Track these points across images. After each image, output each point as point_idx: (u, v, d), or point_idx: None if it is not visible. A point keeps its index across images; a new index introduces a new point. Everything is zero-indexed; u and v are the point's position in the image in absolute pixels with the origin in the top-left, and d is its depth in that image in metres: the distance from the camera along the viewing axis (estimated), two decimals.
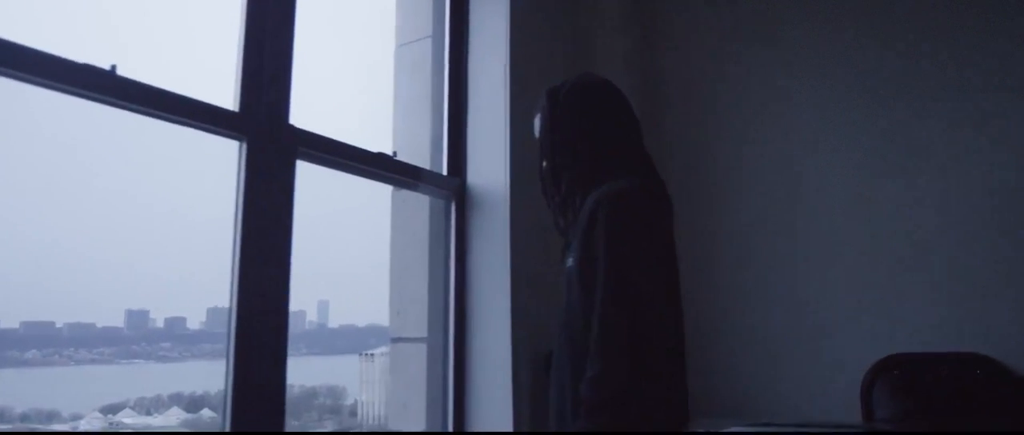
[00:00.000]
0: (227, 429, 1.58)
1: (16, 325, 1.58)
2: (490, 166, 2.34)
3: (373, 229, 2.50)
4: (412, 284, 2.42)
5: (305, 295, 1.88)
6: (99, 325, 1.82)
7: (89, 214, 1.58)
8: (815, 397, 2.59)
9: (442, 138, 2.41)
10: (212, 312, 1.87)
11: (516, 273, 2.23)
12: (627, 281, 1.41)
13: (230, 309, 1.65)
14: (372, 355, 2.46)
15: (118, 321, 1.81)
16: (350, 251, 2.27)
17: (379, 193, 2.38)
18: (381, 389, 2.38)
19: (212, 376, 1.73)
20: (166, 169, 1.77)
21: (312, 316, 2.17)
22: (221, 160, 1.73)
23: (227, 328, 1.65)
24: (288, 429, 1.74)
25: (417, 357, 2.37)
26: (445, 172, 2.39)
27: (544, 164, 1.70)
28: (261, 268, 1.67)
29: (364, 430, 2.39)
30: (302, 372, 1.94)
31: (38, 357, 1.63)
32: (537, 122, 1.74)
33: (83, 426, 1.65)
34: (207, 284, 1.76)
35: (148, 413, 1.83)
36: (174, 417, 1.85)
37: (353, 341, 2.45)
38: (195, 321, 1.92)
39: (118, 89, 1.48)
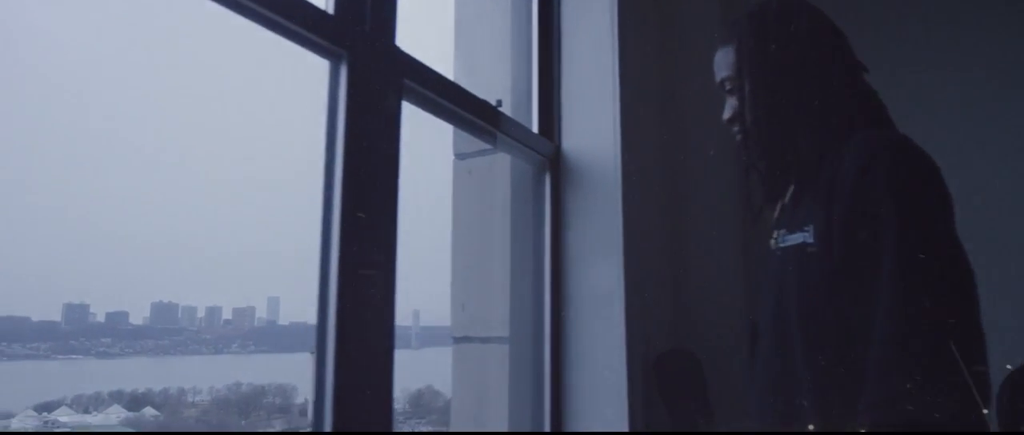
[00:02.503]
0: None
1: None
2: (593, 128, 1.90)
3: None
4: (484, 273, 1.96)
5: (274, 292, 1.86)
6: (35, 318, 1.70)
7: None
8: None
9: (529, 92, 1.96)
10: (157, 307, 1.83)
11: (630, 259, 1.80)
12: (944, 268, 1.01)
13: (324, 290, 1.16)
14: None
15: (55, 315, 1.71)
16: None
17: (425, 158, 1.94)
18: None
19: (155, 373, 1.80)
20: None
21: (261, 313, 2.06)
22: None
23: (320, 315, 1.16)
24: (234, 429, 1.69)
25: (492, 360, 1.91)
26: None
27: (747, 111, 1.28)
28: (365, 241, 1.19)
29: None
30: (250, 370, 1.99)
31: None
32: (725, 57, 1.33)
33: (15, 425, 1.58)
34: (152, 277, 1.70)
35: (86, 411, 1.75)
36: (115, 415, 1.76)
37: (304, 339, 2.19)
38: (138, 316, 1.83)
39: None
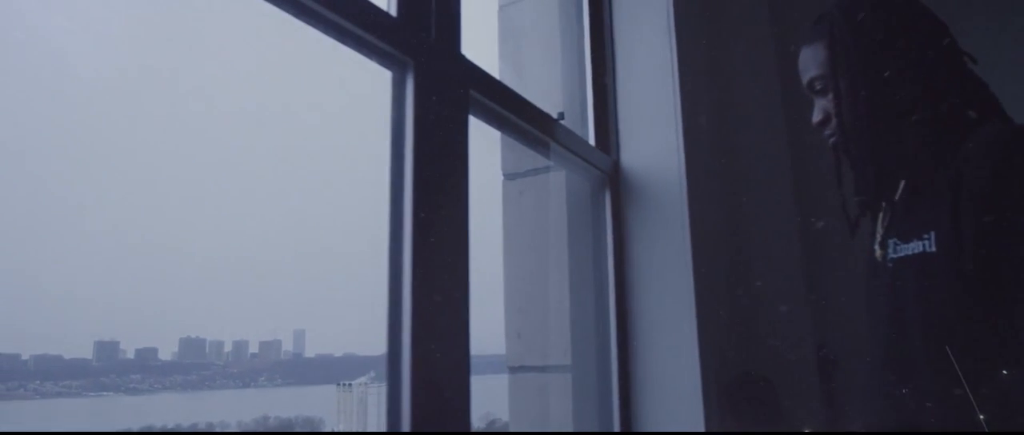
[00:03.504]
0: None
1: None
2: (654, 139, 1.80)
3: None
4: (539, 299, 1.85)
5: (302, 323, 1.85)
6: (66, 356, 1.72)
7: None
8: None
9: (583, 104, 1.86)
10: (185, 342, 1.84)
11: (701, 278, 1.68)
12: None
13: (395, 315, 1.06)
14: (350, 385, 2.19)
15: (87, 353, 1.71)
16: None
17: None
18: (359, 419, 2.16)
19: (184, 408, 1.81)
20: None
21: (287, 345, 2.06)
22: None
23: (390, 343, 1.06)
24: None
25: (551, 389, 1.79)
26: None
27: (845, 110, 1.18)
28: (437, 263, 1.08)
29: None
30: (278, 403, 1.99)
31: (3, 391, 1.54)
32: (814, 55, 1.23)
33: None
34: (181, 312, 1.70)
35: None
36: None
37: (330, 371, 2.26)
38: (167, 352, 1.85)
39: None
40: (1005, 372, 0.93)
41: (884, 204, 1.18)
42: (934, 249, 1.03)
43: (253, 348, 2.12)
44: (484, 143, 1.62)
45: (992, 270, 0.97)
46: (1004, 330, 0.94)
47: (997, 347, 0.95)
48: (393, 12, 1.14)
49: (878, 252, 1.16)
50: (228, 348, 2.07)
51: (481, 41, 1.99)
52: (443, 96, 1.15)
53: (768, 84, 1.97)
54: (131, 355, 1.78)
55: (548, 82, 1.89)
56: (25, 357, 1.58)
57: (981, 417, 0.93)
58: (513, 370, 1.86)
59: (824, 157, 1.36)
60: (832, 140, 1.22)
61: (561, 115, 1.61)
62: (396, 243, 1.07)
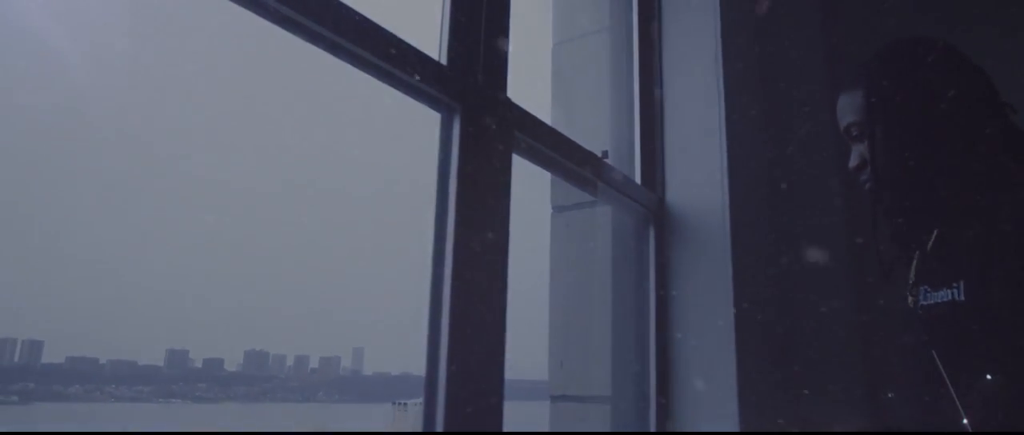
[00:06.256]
0: None
1: (62, 360, 1.56)
2: (699, 178, 1.83)
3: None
4: (583, 330, 1.89)
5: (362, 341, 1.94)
6: (140, 363, 1.79)
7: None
8: None
9: (631, 143, 1.91)
10: (249, 355, 1.90)
11: (742, 317, 1.70)
12: None
13: (434, 341, 1.13)
14: (405, 405, 2.24)
15: (159, 360, 1.79)
16: None
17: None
18: None
19: (245, 419, 1.83)
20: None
21: (346, 362, 2.12)
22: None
23: (429, 373, 1.13)
24: None
25: (591, 420, 1.83)
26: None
27: (880, 157, 1.20)
28: (476, 295, 1.16)
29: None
30: (335, 419, 2.01)
31: (80, 392, 1.60)
32: (852, 102, 1.25)
33: None
34: (247, 325, 1.77)
35: None
36: None
37: (386, 389, 2.34)
38: (232, 363, 1.90)
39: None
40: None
41: (917, 252, 1.19)
42: (963, 298, 1.04)
43: (313, 363, 2.19)
44: (536, 177, 1.69)
45: (1021, 321, 0.98)
46: None
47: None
48: (444, 59, 1.23)
49: (909, 299, 1.17)
50: (290, 362, 2.15)
51: (536, 77, 2.09)
52: (487, 138, 1.23)
53: (819, 124, 1.97)
54: (199, 364, 1.85)
55: (596, 120, 1.95)
56: (103, 361, 1.70)
57: None
58: (555, 399, 1.90)
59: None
60: (867, 186, 1.24)
61: (605, 153, 1.67)
62: (437, 278, 1.15)
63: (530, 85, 2.14)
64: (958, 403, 0.98)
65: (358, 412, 2.14)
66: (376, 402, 2.24)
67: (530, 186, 1.95)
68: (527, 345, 2.04)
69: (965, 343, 1.05)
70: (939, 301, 1.08)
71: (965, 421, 0.98)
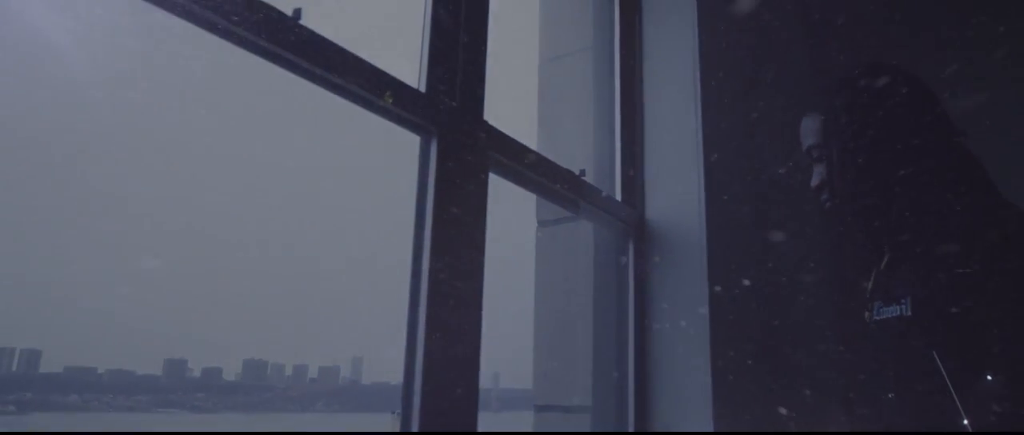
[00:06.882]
0: None
1: (60, 369, 1.58)
2: (677, 196, 1.90)
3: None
4: (567, 341, 1.96)
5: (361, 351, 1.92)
6: (138, 372, 1.79)
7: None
8: None
9: (613, 161, 1.98)
10: (248, 364, 1.89)
11: (717, 336, 1.76)
12: None
13: (411, 355, 1.20)
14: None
15: (157, 369, 1.79)
16: None
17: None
18: None
19: (244, 429, 1.83)
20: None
21: (346, 372, 2.10)
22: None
23: (406, 382, 1.20)
24: None
25: (575, 430, 1.89)
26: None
27: (836, 179, 1.26)
28: (452, 311, 1.22)
29: None
30: (334, 429, 2.04)
31: (78, 402, 1.61)
32: (812, 124, 1.32)
33: None
34: (245, 334, 1.76)
35: None
36: None
37: (386, 399, 2.21)
38: (231, 372, 1.89)
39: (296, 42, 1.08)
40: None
41: (875, 268, 1.25)
42: (909, 313, 1.10)
43: (312, 373, 2.22)
44: (522, 193, 1.76)
45: (962, 333, 1.03)
46: (972, 389, 1.00)
47: (964, 405, 1.01)
48: (423, 86, 1.30)
49: (866, 314, 1.22)
50: (289, 372, 2.17)
51: (525, 95, 2.15)
52: (463, 159, 1.30)
53: (795, 142, 2.04)
54: (197, 374, 1.84)
55: (579, 139, 2.02)
56: (101, 371, 1.71)
57: None
58: (539, 409, 1.96)
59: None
60: (827, 205, 1.30)
61: (582, 172, 1.74)
62: (415, 293, 1.21)
63: (522, 105, 2.22)
64: (958, 404, 1.02)
65: (357, 422, 2.10)
66: (375, 412, 2.23)
67: (518, 202, 2.02)
68: (519, 356, 2.11)
69: (912, 354, 1.11)
70: (889, 317, 1.14)
71: (965, 422, 1.03)
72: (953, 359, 1.04)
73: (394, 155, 1.53)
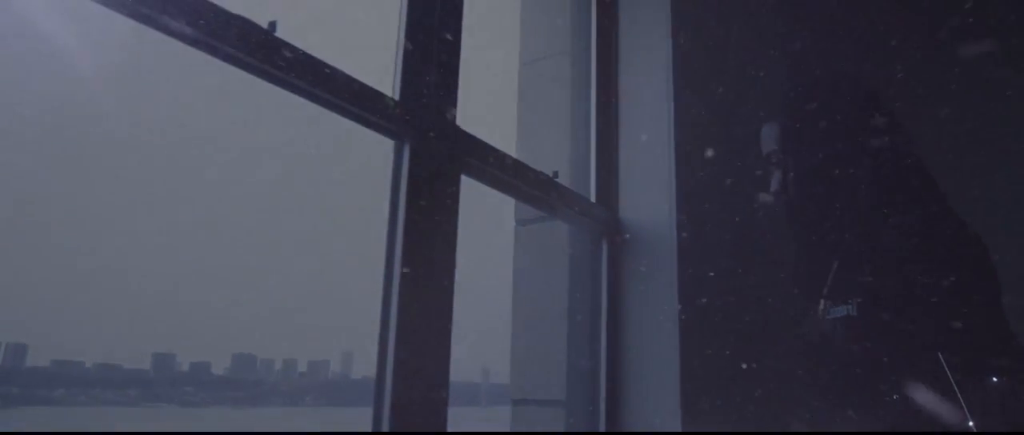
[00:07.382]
0: None
1: (47, 363, 1.57)
2: (650, 197, 1.96)
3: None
4: (543, 337, 2.01)
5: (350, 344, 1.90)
6: (126, 366, 1.78)
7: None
8: None
9: (587, 163, 2.04)
10: (237, 358, 1.87)
11: (687, 332, 1.82)
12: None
13: (384, 354, 1.26)
14: None
15: (145, 363, 1.78)
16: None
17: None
18: None
19: (233, 423, 1.81)
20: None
21: (335, 366, 2.08)
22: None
23: (378, 378, 1.26)
24: None
25: (551, 424, 1.95)
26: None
27: (789, 185, 1.32)
28: (423, 309, 1.28)
29: None
30: (323, 423, 2.01)
31: (65, 396, 1.59)
32: (771, 131, 1.38)
33: None
34: (234, 328, 1.76)
35: None
36: None
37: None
38: (220, 367, 1.89)
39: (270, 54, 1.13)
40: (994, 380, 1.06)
41: (831, 269, 1.32)
42: (856, 313, 1.16)
43: (302, 367, 2.24)
44: (500, 195, 1.82)
45: (900, 331, 1.10)
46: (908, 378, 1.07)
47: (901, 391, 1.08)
48: (397, 93, 1.36)
49: (821, 311, 1.29)
50: (278, 366, 2.19)
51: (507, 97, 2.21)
52: (435, 163, 1.35)
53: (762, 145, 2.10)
54: (186, 368, 1.83)
55: (556, 141, 2.08)
56: (88, 364, 1.70)
57: None
58: (516, 402, 2.02)
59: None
60: (783, 208, 1.36)
61: (555, 174, 1.79)
62: (387, 293, 1.27)
63: (504, 107, 2.27)
64: (963, 403, 1.07)
65: (345, 416, 2.09)
66: (364, 407, 2.24)
67: (506, 202, 2.08)
68: (501, 351, 2.17)
69: (858, 356, 1.17)
70: (838, 315, 1.21)
71: (970, 423, 1.08)
72: (895, 356, 1.11)
73: (375, 158, 1.58)
